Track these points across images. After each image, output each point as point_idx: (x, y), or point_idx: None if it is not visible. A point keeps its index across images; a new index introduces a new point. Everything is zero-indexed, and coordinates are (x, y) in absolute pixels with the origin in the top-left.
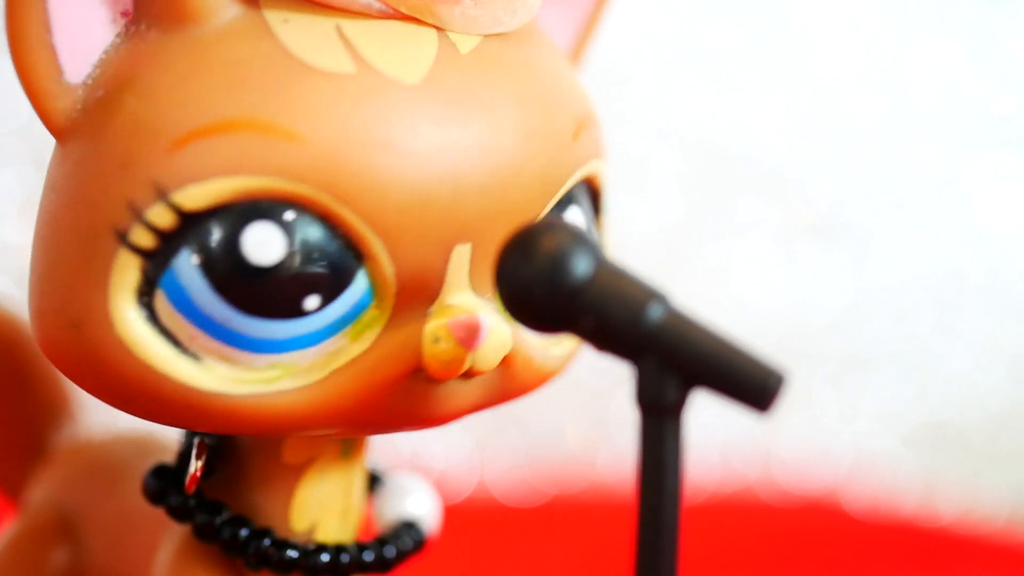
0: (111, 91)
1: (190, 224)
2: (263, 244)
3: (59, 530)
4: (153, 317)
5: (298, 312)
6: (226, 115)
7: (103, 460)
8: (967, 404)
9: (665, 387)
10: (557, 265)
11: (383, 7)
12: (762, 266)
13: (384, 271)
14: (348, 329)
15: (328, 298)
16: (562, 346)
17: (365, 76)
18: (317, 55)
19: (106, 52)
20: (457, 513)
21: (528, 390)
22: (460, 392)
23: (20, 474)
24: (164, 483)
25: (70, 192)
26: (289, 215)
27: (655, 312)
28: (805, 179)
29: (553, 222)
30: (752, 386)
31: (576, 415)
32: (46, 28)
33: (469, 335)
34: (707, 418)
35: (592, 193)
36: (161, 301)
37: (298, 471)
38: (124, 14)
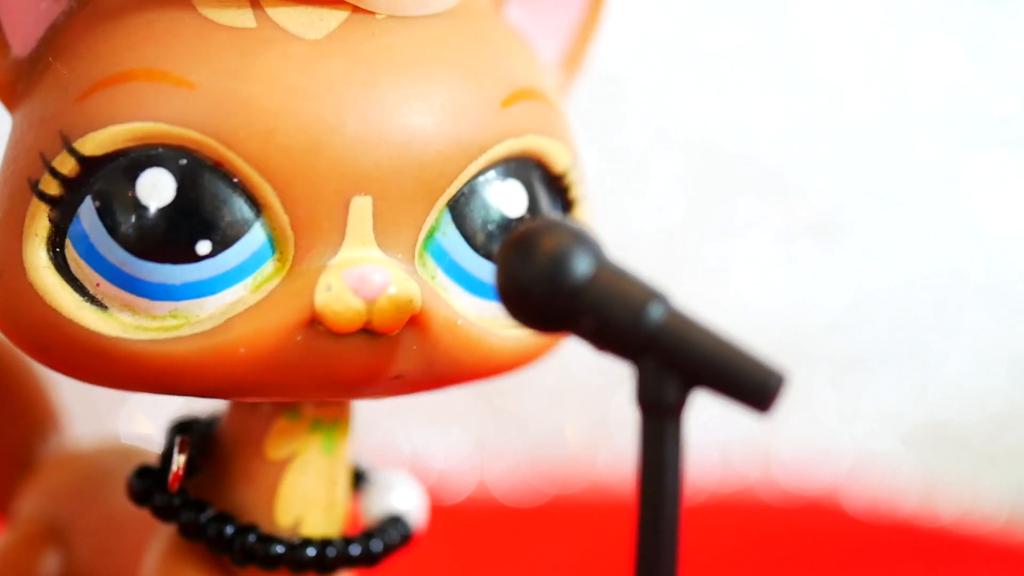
0: (45, 60)
1: (90, 171)
2: (154, 187)
3: (48, 540)
4: (64, 266)
5: (190, 256)
6: (125, 66)
7: (89, 469)
8: (967, 404)
9: (665, 387)
10: (557, 265)
11: None
12: (762, 266)
13: (279, 221)
14: (249, 280)
15: (221, 244)
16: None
17: (264, 30)
18: (222, 13)
19: (51, 27)
20: (457, 513)
21: (473, 369)
22: (372, 353)
23: (7, 486)
24: (148, 483)
25: (8, 153)
26: (183, 161)
27: (655, 312)
28: (805, 179)
29: (553, 222)
30: (752, 386)
31: (576, 415)
32: None
33: (361, 284)
34: (707, 418)
35: (554, 181)
36: (69, 249)
37: (281, 466)
38: None
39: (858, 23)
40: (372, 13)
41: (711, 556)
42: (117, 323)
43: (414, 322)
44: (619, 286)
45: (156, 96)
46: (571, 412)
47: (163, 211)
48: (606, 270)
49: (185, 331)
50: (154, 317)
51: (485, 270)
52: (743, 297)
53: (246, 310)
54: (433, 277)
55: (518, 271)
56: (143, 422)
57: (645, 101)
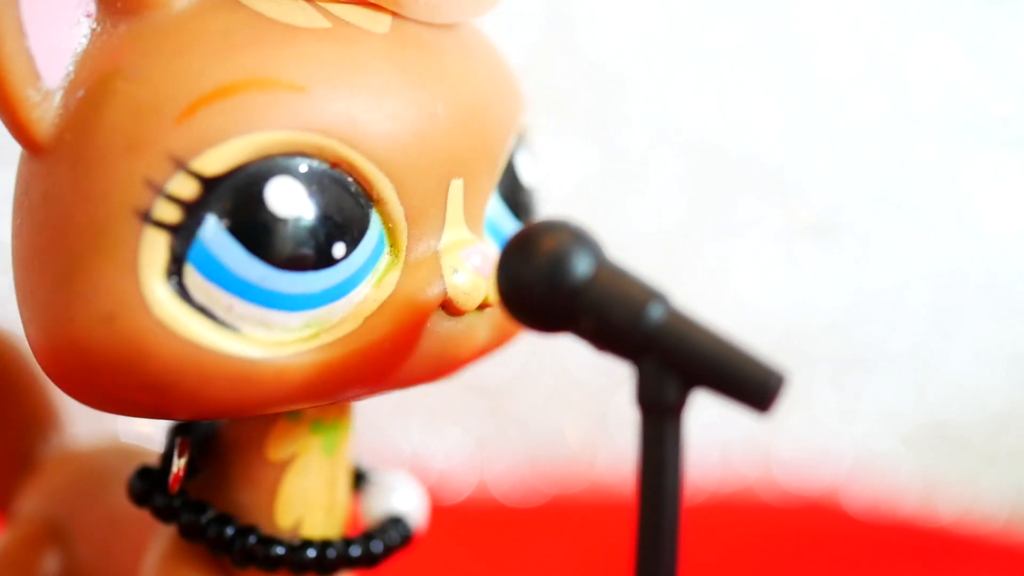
0: (95, 86)
1: (212, 190)
2: (286, 196)
3: (48, 539)
4: (186, 295)
5: (329, 261)
6: (227, 78)
7: (90, 469)
8: (967, 404)
9: (665, 387)
10: (557, 265)
11: None
12: (762, 266)
13: (394, 213)
14: (370, 277)
15: (352, 244)
16: None
17: (341, 28)
18: (292, 16)
19: (77, 54)
20: (457, 513)
21: (517, 331)
22: (477, 327)
23: (8, 485)
24: (148, 484)
25: (73, 192)
26: (304, 166)
27: (655, 312)
28: (805, 179)
29: (553, 222)
30: (752, 386)
31: (576, 415)
32: (22, 33)
33: (482, 263)
34: (707, 418)
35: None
36: (192, 276)
37: (281, 468)
38: (88, 15)
39: (858, 23)
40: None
41: (711, 556)
42: (256, 344)
43: None
44: (619, 286)
45: (270, 104)
46: (571, 412)
47: (299, 220)
48: (606, 270)
49: (326, 338)
50: (289, 330)
51: None
52: (743, 297)
53: (379, 307)
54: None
55: (518, 271)
56: (143, 422)
57: (645, 101)
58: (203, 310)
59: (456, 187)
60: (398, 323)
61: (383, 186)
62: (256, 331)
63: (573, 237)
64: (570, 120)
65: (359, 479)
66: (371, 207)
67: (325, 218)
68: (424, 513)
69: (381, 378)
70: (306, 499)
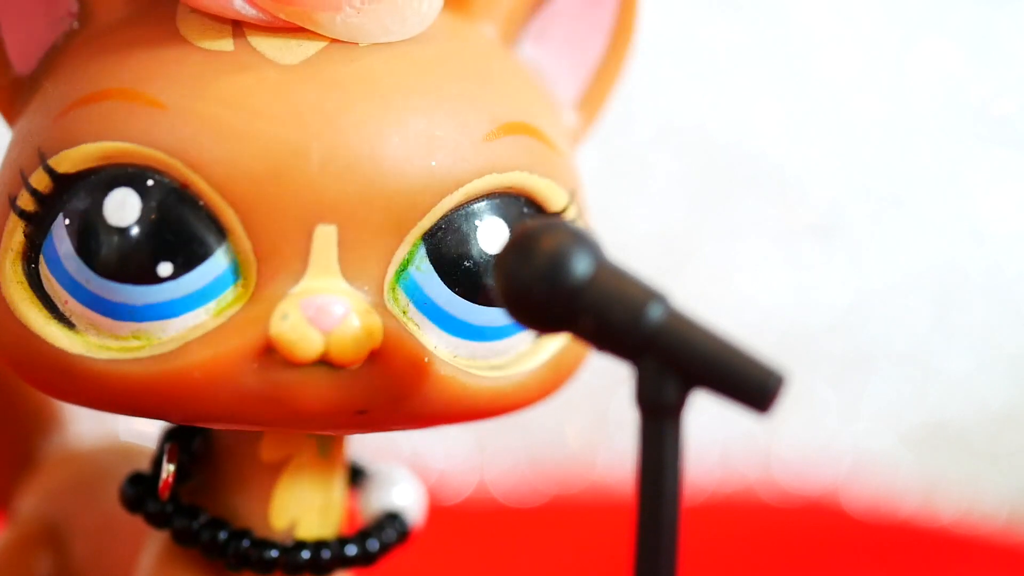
0: (42, 80)
1: (63, 188)
2: (121, 206)
3: (46, 539)
4: (37, 282)
5: (152, 278)
6: (101, 86)
7: (89, 469)
8: (967, 404)
9: (665, 387)
10: (557, 265)
11: (259, 14)
12: (762, 266)
13: (243, 247)
14: (212, 305)
15: (183, 267)
16: (504, 371)
17: (241, 54)
18: (202, 38)
19: (53, 48)
20: (457, 513)
21: (444, 413)
22: (331, 386)
23: (9, 484)
24: (140, 490)
25: (2, 169)
26: (150, 181)
27: (655, 312)
28: (805, 179)
29: (552, 222)
30: (752, 387)
31: (576, 415)
32: None
33: (318, 314)
34: (707, 418)
35: (537, 211)
36: (42, 266)
37: (276, 470)
38: (70, 14)
39: (858, 23)
40: (354, 43)
41: (711, 556)
42: (82, 341)
43: (377, 357)
44: (619, 286)
45: (127, 116)
46: (571, 412)
47: (127, 231)
48: (606, 270)
49: (145, 353)
50: (117, 337)
51: (462, 308)
52: (743, 297)
53: (204, 335)
54: (405, 312)
55: (517, 271)
56: (144, 421)
57: (646, 101)
58: (48, 301)
59: (325, 233)
60: (216, 353)
61: (228, 216)
62: (88, 331)
63: (572, 237)
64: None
65: (356, 475)
66: (222, 238)
67: (154, 235)
68: (422, 508)
69: (196, 407)
70: (301, 500)
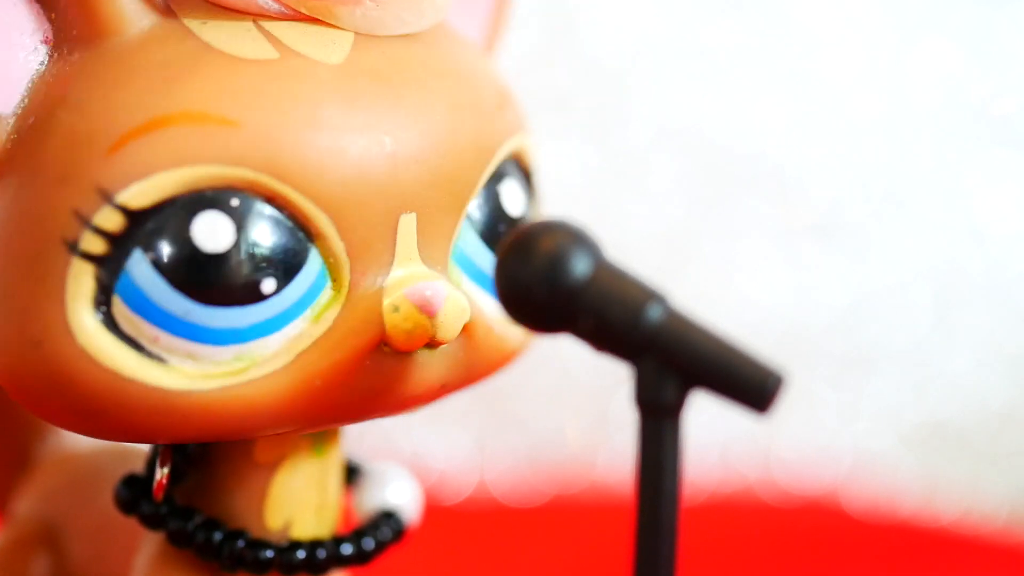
0: (43, 114)
1: (138, 223)
2: (213, 232)
3: (43, 540)
4: (113, 324)
5: (256, 297)
6: (159, 111)
7: (86, 470)
8: (967, 404)
9: (664, 388)
10: (556, 265)
11: (282, 9)
12: (762, 266)
13: (334, 248)
14: (308, 312)
15: (284, 280)
16: None
17: (289, 60)
18: (240, 46)
19: (32, 81)
20: (457, 513)
21: (495, 368)
22: (429, 366)
23: (6, 485)
24: (135, 492)
25: (13, 218)
26: (235, 201)
27: (654, 313)
28: (805, 179)
29: (552, 222)
30: (751, 387)
31: (576, 415)
32: None
33: (427, 301)
34: (707, 418)
35: (524, 173)
36: (119, 307)
37: (270, 469)
38: (45, 41)
39: (858, 23)
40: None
41: (711, 556)
42: (181, 375)
43: (463, 332)
44: (618, 286)
45: (199, 138)
46: (571, 412)
47: (225, 254)
48: (605, 270)
49: (254, 373)
50: (218, 363)
51: None
52: (743, 297)
53: (314, 343)
54: (459, 283)
55: (517, 271)
56: None
57: (645, 100)
58: (130, 340)
59: (407, 221)
60: (332, 360)
61: (321, 221)
62: (183, 363)
63: (572, 237)
64: (570, 120)
65: (351, 473)
66: (310, 242)
67: (254, 254)
68: (418, 506)
69: (317, 413)
70: (296, 500)
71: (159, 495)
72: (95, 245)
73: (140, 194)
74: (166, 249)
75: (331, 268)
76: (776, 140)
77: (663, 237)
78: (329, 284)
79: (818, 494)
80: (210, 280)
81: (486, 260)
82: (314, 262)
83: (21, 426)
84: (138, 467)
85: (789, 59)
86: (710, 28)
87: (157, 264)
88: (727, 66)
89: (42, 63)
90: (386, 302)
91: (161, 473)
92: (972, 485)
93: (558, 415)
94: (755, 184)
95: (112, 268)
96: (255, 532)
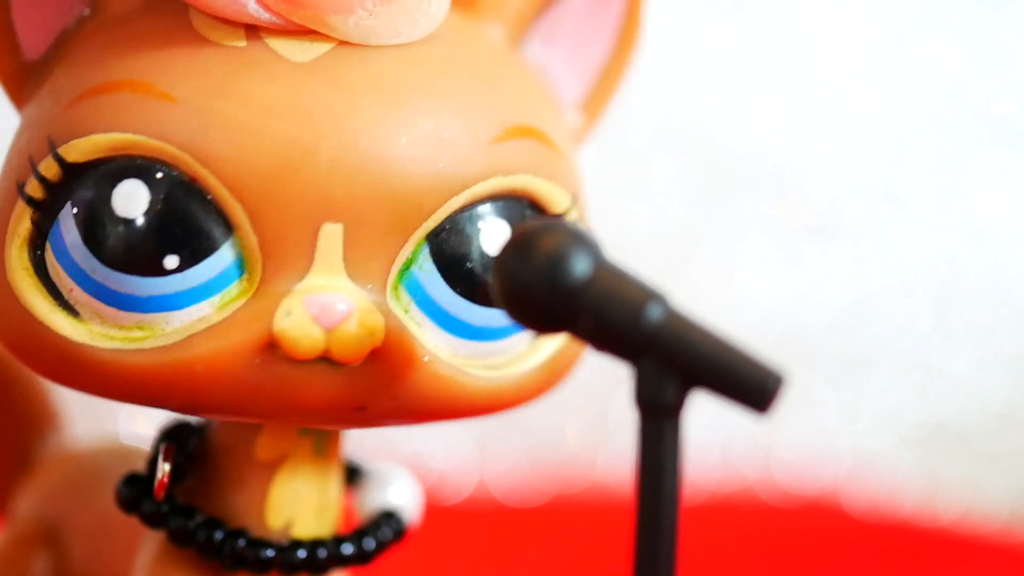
0: (53, 66)
1: (72, 177)
2: (128, 197)
3: (43, 540)
4: (43, 269)
5: (158, 270)
6: (113, 76)
7: (86, 469)
8: (967, 404)
9: (664, 388)
10: (556, 265)
11: (274, 18)
12: (762, 266)
13: (249, 242)
14: (215, 299)
15: (189, 261)
16: (501, 371)
17: (253, 50)
18: (216, 31)
19: (64, 33)
20: (457, 513)
21: (442, 411)
22: (324, 379)
23: (6, 484)
24: (136, 491)
25: (8, 154)
26: (159, 174)
27: (654, 312)
28: (805, 179)
29: (552, 222)
30: (751, 387)
31: (576, 415)
32: (4, 7)
33: (322, 312)
34: (707, 418)
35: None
36: (48, 253)
37: (271, 469)
38: (81, 1)
39: (858, 23)
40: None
41: (711, 556)
42: (85, 329)
43: (377, 355)
44: (618, 286)
45: (138, 108)
46: (571, 412)
47: (134, 223)
48: (605, 270)
49: (148, 344)
50: (121, 327)
51: (463, 308)
52: (743, 297)
53: (207, 328)
54: (407, 311)
55: (517, 271)
56: (143, 422)
57: (645, 100)
58: (52, 287)
59: (331, 232)
60: (220, 346)
61: (235, 211)
62: (92, 320)
63: (572, 237)
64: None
65: (352, 474)
66: (229, 231)
67: (162, 227)
68: (419, 507)
69: (196, 398)
70: (297, 500)
71: (160, 494)
72: (35, 190)
73: (76, 149)
74: (88, 205)
75: (246, 260)
76: (776, 140)
77: (663, 237)
78: (242, 276)
79: (818, 494)
80: (115, 244)
81: (444, 293)
82: (227, 251)
83: (21, 425)
84: (139, 466)
85: (789, 59)
86: (710, 28)
87: (77, 217)
88: (727, 66)
89: (76, 20)
90: (282, 304)
91: (162, 472)
92: (972, 485)
93: (558, 415)
94: (755, 184)
95: (48, 216)
96: (256, 531)
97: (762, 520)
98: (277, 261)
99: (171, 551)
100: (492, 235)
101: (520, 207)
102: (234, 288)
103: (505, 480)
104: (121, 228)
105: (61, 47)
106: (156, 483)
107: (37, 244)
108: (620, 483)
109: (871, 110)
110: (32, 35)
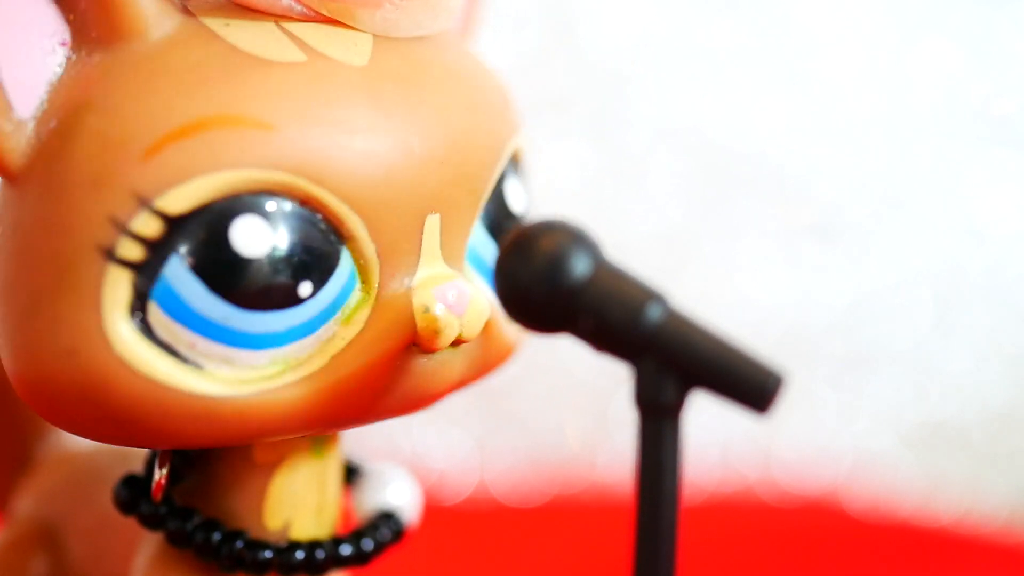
0: (66, 117)
1: (176, 229)
2: (251, 236)
3: (43, 540)
4: (149, 331)
5: (294, 300)
6: (195, 115)
7: (86, 469)
8: (967, 404)
9: (664, 388)
10: (556, 265)
11: (304, 10)
12: (762, 266)
13: (365, 250)
14: (339, 314)
15: (320, 283)
16: None
17: (316, 62)
18: (267, 49)
19: (51, 84)
20: (457, 513)
21: (502, 361)
22: (451, 364)
23: (6, 484)
24: (134, 492)
25: (40, 225)
26: (271, 205)
27: (654, 313)
28: (805, 179)
29: (552, 222)
30: (751, 387)
31: (576, 415)
32: None
33: (456, 301)
34: (707, 418)
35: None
36: (155, 313)
37: (269, 470)
38: (63, 44)
39: (858, 23)
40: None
41: (711, 556)
42: (217, 381)
43: (482, 330)
44: (617, 286)
45: (236, 142)
46: (571, 412)
47: (262, 259)
48: (604, 270)
49: (289, 377)
50: (254, 367)
51: None
52: (743, 297)
53: (347, 345)
54: (472, 280)
55: (517, 271)
56: None
57: (645, 101)
58: (167, 347)
59: (432, 222)
60: (366, 361)
61: (354, 224)
62: (220, 368)
63: (571, 237)
64: (570, 120)
65: (351, 474)
66: (342, 244)
67: (291, 257)
68: (417, 507)
69: (350, 414)
70: (295, 501)
71: (158, 495)
72: (133, 251)
73: (178, 199)
74: (204, 254)
75: (361, 270)
76: (776, 140)
77: (663, 237)
78: (359, 286)
79: (818, 494)
80: (248, 284)
81: (493, 254)
82: (345, 264)
83: (21, 426)
84: (137, 467)
85: (789, 59)
86: (710, 28)
87: (195, 269)
88: (727, 66)
89: (60, 65)
90: (416, 303)
91: (160, 473)
92: (972, 485)
93: (558, 415)
94: (755, 184)
95: (149, 274)
96: (254, 532)
97: (762, 520)
98: (393, 262)
99: (169, 552)
100: (515, 192)
101: (515, 163)
102: (353, 299)
103: (505, 480)
104: (251, 268)
105: (69, 96)
106: (154, 484)
107: (137, 307)
108: (620, 483)
109: (871, 110)
110: (23, 89)
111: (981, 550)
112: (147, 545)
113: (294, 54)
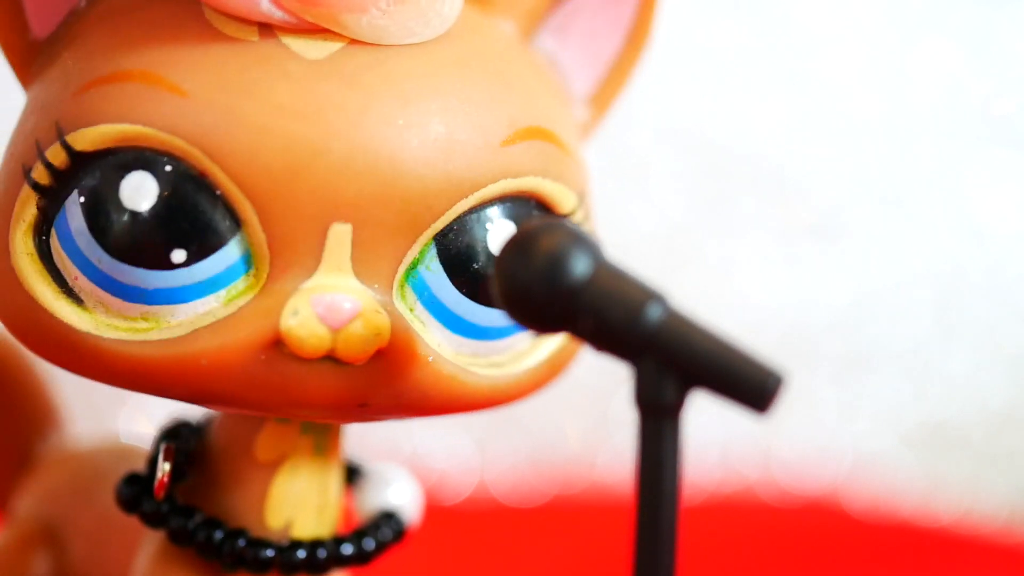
0: (60, 47)
1: (80, 166)
2: (137, 190)
3: (43, 539)
4: (48, 255)
5: (164, 263)
6: (124, 66)
7: (87, 469)
8: (967, 404)
9: (664, 388)
10: (556, 265)
11: (287, 17)
12: (762, 266)
13: (258, 239)
14: (221, 293)
15: (196, 255)
16: (503, 369)
17: (266, 46)
18: (228, 25)
19: (73, 13)
20: (457, 513)
21: (442, 407)
22: (333, 380)
23: (7, 484)
24: (136, 491)
25: (14, 134)
26: (168, 168)
27: (654, 313)
28: (805, 179)
29: (552, 222)
30: (751, 387)
31: (576, 415)
32: None
33: (328, 312)
34: (707, 418)
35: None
36: (54, 240)
37: (271, 469)
38: None
39: (858, 23)
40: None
41: (711, 556)
42: (90, 318)
43: (382, 354)
44: (618, 286)
45: (148, 99)
46: (571, 412)
47: (143, 215)
48: (605, 270)
49: (153, 335)
50: (126, 318)
51: (467, 308)
52: (743, 297)
53: (213, 323)
54: (412, 310)
55: (517, 271)
56: (143, 422)
57: (646, 101)
58: (57, 273)
59: (341, 231)
60: (221, 344)
61: (245, 209)
62: (97, 308)
63: (571, 237)
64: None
65: (352, 474)
66: (237, 227)
67: (170, 221)
68: (418, 507)
69: (202, 390)
70: (297, 500)
71: (160, 494)
72: (42, 176)
73: (84, 138)
74: (94, 195)
75: (253, 257)
76: (776, 140)
77: (663, 237)
78: (249, 272)
79: (818, 494)
80: (122, 236)
81: (449, 293)
82: (235, 247)
83: (22, 425)
84: (139, 466)
85: (789, 59)
86: (710, 28)
87: (84, 207)
88: (727, 66)
89: (87, 1)
90: (288, 303)
91: (162, 472)
92: (972, 485)
93: (558, 415)
94: (755, 184)
95: (54, 202)
96: (256, 531)
97: (762, 520)
98: (285, 259)
99: (171, 551)
100: (500, 236)
101: (527, 207)
102: (240, 283)
103: (505, 480)
104: (128, 220)
105: (71, 27)
106: (156, 483)
107: (42, 230)
108: (620, 483)
109: (871, 110)
110: (41, 13)
111: (981, 550)
112: (148, 544)
113: (249, 34)
